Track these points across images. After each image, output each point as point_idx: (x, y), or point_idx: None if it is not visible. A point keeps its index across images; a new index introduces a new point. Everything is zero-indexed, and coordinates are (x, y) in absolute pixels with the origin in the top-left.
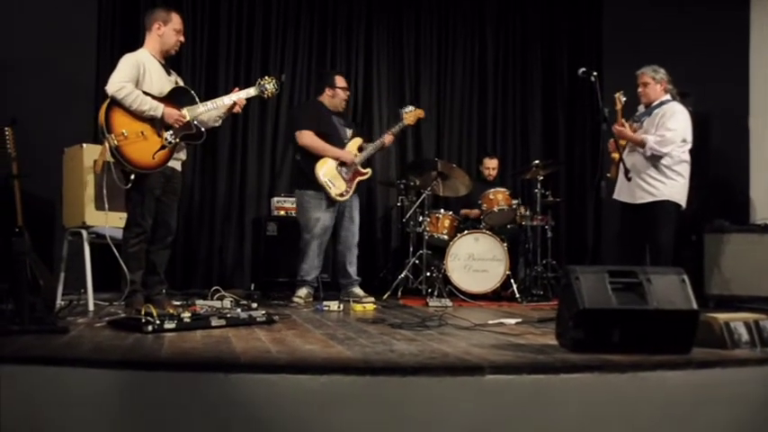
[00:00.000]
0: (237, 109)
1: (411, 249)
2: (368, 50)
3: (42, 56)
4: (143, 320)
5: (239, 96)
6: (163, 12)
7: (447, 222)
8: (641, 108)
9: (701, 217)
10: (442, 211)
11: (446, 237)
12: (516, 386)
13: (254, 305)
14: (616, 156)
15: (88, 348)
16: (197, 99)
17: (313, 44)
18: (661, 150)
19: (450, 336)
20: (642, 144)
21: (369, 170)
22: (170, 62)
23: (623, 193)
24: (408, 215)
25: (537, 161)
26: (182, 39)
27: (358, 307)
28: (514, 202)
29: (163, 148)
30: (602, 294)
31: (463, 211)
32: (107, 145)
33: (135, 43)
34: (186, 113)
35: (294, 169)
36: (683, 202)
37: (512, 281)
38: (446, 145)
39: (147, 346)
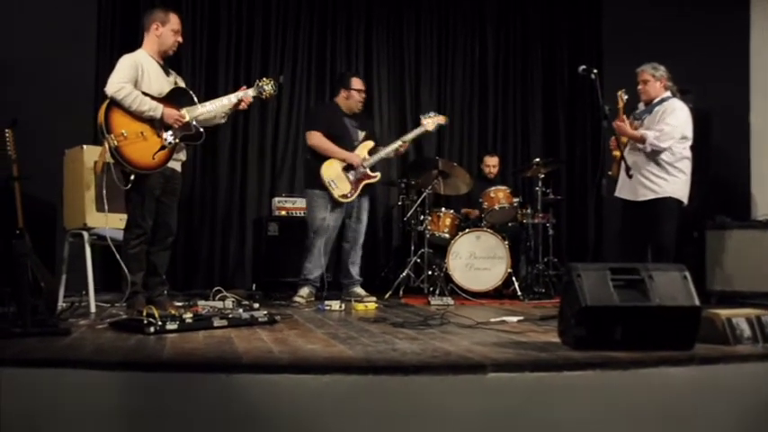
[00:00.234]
0: (243, 105)
1: (412, 248)
2: (368, 51)
3: (42, 57)
4: (145, 322)
5: (239, 95)
6: (161, 12)
7: (448, 221)
8: (641, 106)
9: (702, 213)
10: (443, 209)
11: (447, 235)
12: (519, 384)
13: (256, 305)
14: (617, 154)
15: (90, 350)
16: (196, 100)
17: (313, 45)
18: (660, 146)
19: (453, 334)
20: (642, 140)
21: (378, 174)
22: (169, 63)
23: (625, 190)
24: (409, 214)
25: (538, 159)
26: (180, 39)
27: (360, 306)
28: (515, 200)
29: (162, 148)
30: (603, 291)
31: (464, 210)
32: (107, 146)
33: (135, 44)
34: (186, 114)
35: (305, 168)
36: (685, 199)
37: (513, 279)
38: (447, 144)
39: (149, 348)
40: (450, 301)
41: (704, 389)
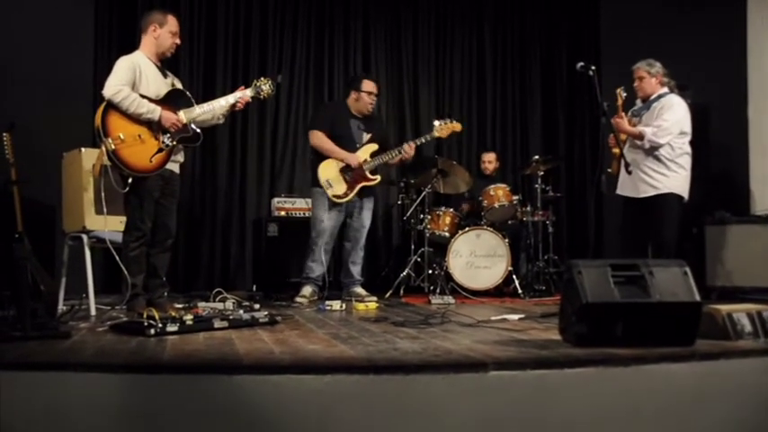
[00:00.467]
0: (240, 106)
1: (413, 247)
2: (366, 50)
3: (39, 60)
4: (145, 324)
5: (236, 96)
6: (159, 14)
7: (448, 219)
8: (639, 103)
9: (701, 209)
10: (442, 208)
11: (447, 234)
12: (520, 382)
13: (257, 306)
14: (617, 151)
15: (91, 353)
16: (193, 101)
17: (311, 44)
18: (659, 141)
19: (454, 333)
20: (641, 136)
21: (377, 177)
22: (167, 64)
23: (626, 187)
24: (409, 213)
25: (537, 157)
26: (178, 41)
27: (360, 306)
28: (515, 197)
29: (160, 150)
30: (604, 288)
31: (462, 206)
32: (104, 149)
33: (132, 46)
34: (183, 116)
35: (310, 167)
36: (686, 195)
37: (514, 277)
38: (446, 143)
39: (149, 350)
40: (450, 299)
41: (705, 385)
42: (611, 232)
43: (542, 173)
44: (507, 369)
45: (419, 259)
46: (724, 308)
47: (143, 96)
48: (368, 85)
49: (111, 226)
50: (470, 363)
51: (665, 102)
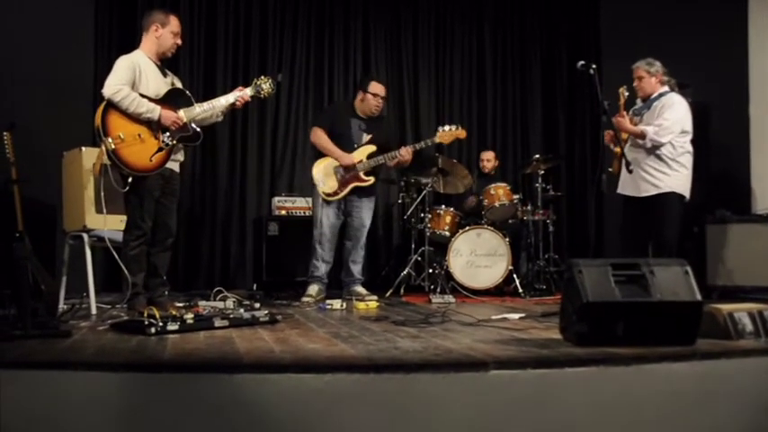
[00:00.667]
0: (239, 104)
1: (413, 246)
2: (366, 50)
3: (39, 59)
4: (146, 323)
5: (236, 95)
6: (161, 14)
7: (448, 219)
8: (639, 102)
9: (702, 208)
10: (443, 207)
11: (448, 233)
12: (521, 381)
13: (257, 305)
14: (618, 150)
15: (91, 352)
16: (193, 100)
17: (311, 44)
18: (660, 140)
19: (454, 332)
20: (642, 136)
21: (370, 179)
22: (167, 63)
23: (627, 186)
24: (410, 212)
25: (537, 156)
26: (179, 42)
27: (361, 305)
28: (515, 197)
29: (160, 150)
30: (605, 287)
31: (470, 198)
32: (104, 148)
33: (132, 45)
34: (183, 115)
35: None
36: (687, 194)
37: (514, 276)
38: None
39: (150, 349)
40: (451, 298)
41: (706, 384)
42: (611, 231)
43: (543, 172)
44: (508, 368)
45: (419, 258)
46: (725, 307)
47: (143, 96)
48: (374, 87)
49: (111, 225)
50: (471, 362)
51: (665, 100)
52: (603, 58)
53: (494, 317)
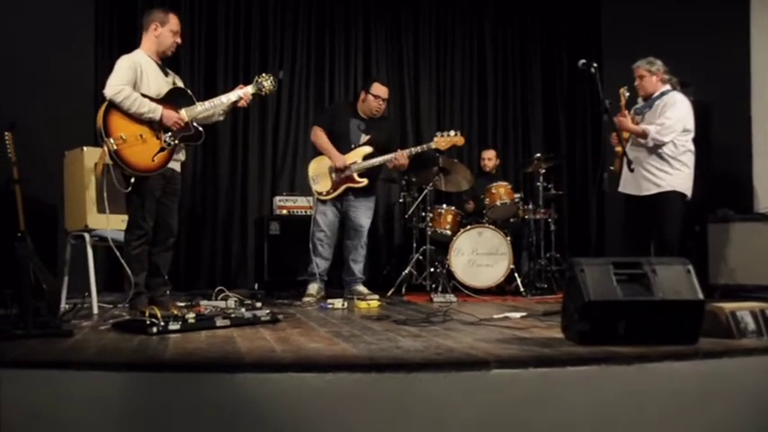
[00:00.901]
0: (243, 103)
1: (414, 245)
2: (366, 50)
3: (40, 59)
4: (147, 322)
5: (237, 93)
6: (160, 13)
7: (450, 217)
8: (640, 101)
9: (704, 207)
10: (444, 206)
11: (449, 232)
12: (522, 380)
13: (259, 304)
14: (620, 149)
15: (93, 351)
16: (195, 99)
17: (311, 43)
18: (662, 139)
19: (456, 331)
20: (644, 135)
21: (364, 180)
22: (168, 62)
23: (629, 185)
24: (411, 211)
25: (539, 155)
26: (179, 40)
27: (362, 304)
28: (517, 195)
29: (162, 150)
30: (607, 286)
31: (469, 202)
32: (106, 149)
33: (133, 45)
34: (185, 115)
35: None
36: (689, 193)
37: (516, 275)
38: None
39: (151, 348)
40: (452, 297)
41: (708, 383)
42: (612, 230)
43: (544, 171)
44: (509, 367)
45: (421, 257)
46: (727, 306)
47: (144, 95)
48: (376, 89)
49: (112, 225)
50: (472, 361)
51: (667, 99)
52: (604, 57)
53: (495, 316)
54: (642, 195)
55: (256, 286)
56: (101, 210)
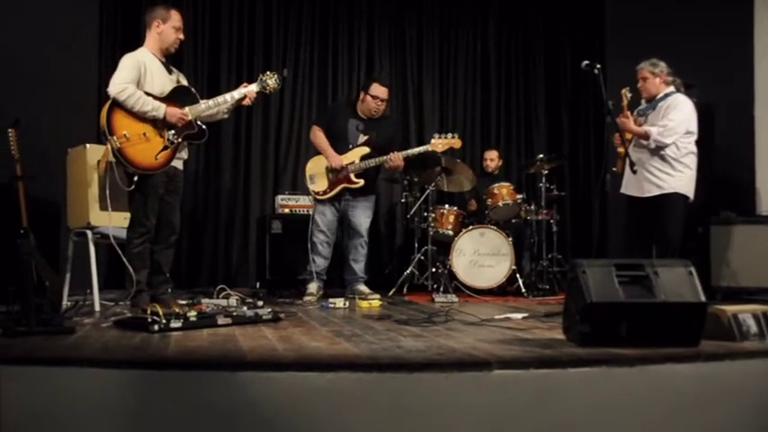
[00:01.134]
0: (248, 101)
1: (416, 245)
2: (370, 48)
3: (44, 57)
4: (149, 320)
5: (241, 92)
6: (162, 10)
7: (452, 218)
8: (644, 102)
9: (707, 209)
10: (446, 206)
11: (451, 232)
12: (524, 381)
13: (260, 303)
14: (622, 150)
15: (95, 348)
16: (198, 98)
17: (315, 41)
18: (665, 141)
19: (457, 331)
20: (646, 136)
21: (360, 181)
22: (171, 60)
23: (631, 186)
24: (413, 211)
25: (541, 155)
26: (181, 37)
27: (364, 304)
28: (519, 196)
29: (165, 148)
30: (609, 288)
31: (471, 203)
32: (109, 147)
33: (137, 43)
34: (188, 112)
35: None
36: (691, 194)
37: (517, 276)
38: None
39: (153, 346)
40: (454, 298)
41: (710, 386)
42: (615, 231)
43: (546, 171)
44: (511, 368)
45: (423, 257)
46: (729, 308)
47: (148, 94)
48: (375, 90)
49: (115, 222)
50: (474, 361)
51: (671, 101)
52: (608, 58)
53: (497, 316)
54: (644, 197)
55: (258, 285)
56: (103, 207)
